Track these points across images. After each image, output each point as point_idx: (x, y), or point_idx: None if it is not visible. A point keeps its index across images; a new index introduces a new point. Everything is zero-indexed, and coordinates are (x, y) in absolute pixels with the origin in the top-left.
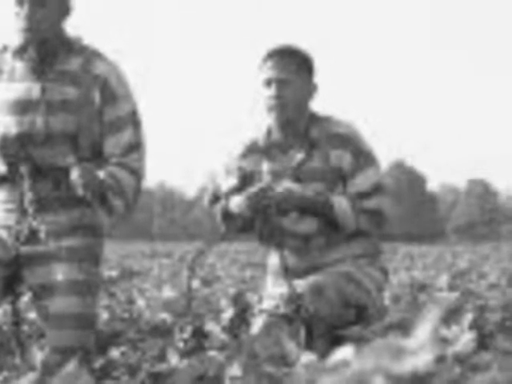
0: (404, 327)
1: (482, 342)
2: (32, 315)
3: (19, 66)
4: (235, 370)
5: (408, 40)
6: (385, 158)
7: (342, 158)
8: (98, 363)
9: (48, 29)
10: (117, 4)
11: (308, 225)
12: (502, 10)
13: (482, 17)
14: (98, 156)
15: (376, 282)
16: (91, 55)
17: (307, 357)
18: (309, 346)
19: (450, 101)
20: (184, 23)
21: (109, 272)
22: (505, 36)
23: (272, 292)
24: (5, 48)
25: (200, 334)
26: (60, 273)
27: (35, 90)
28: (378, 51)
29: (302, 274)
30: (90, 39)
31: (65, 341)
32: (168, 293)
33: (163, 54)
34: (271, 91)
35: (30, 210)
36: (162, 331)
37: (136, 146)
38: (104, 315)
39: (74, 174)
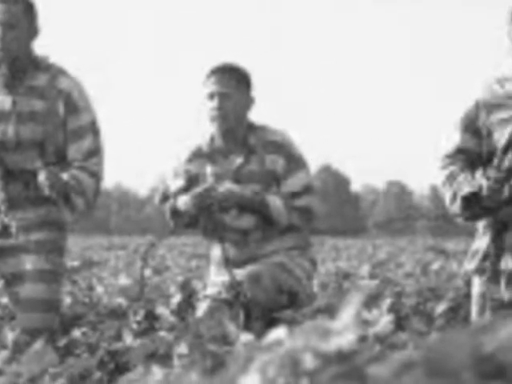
0: (330, 311)
1: (399, 324)
2: (4, 300)
3: None
4: (182, 348)
5: (332, 57)
6: (313, 162)
7: (276, 162)
8: (62, 342)
9: (18, 48)
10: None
11: (246, 221)
12: (420, 23)
13: (399, 31)
14: (62, 160)
15: (306, 271)
16: (56, 72)
17: (246, 337)
18: (247, 327)
19: (370, 112)
20: (141, 41)
21: (71, 262)
22: (420, 47)
23: (215, 280)
24: None
25: (151, 317)
26: (29, 263)
27: (7, 102)
28: (306, 70)
29: (242, 264)
30: (53, 56)
31: (33, 322)
32: (123, 280)
33: (121, 69)
34: (214, 103)
35: (2, 208)
36: (118, 314)
37: (95, 152)
38: (67, 300)
39: (41, 177)
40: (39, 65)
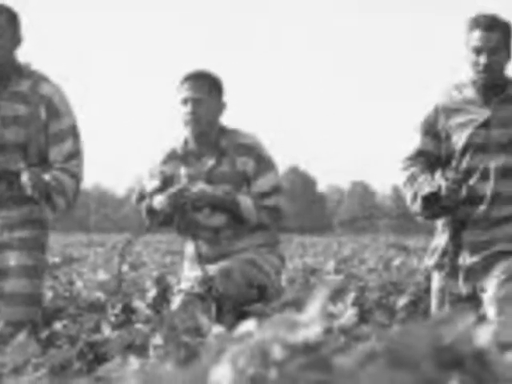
0: (298, 304)
1: (363, 317)
2: None
3: None
4: (158, 339)
5: (298, 62)
6: (282, 163)
7: (246, 164)
8: (44, 334)
9: (2, 56)
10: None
11: (218, 219)
12: (383, 31)
13: (362, 37)
14: (44, 162)
15: (275, 266)
16: (38, 78)
17: (217, 329)
18: (219, 320)
19: (335, 117)
20: (119, 48)
21: (53, 258)
22: (382, 54)
23: (188, 275)
24: None
25: (128, 310)
26: (13, 259)
27: None
28: (274, 76)
29: (213, 260)
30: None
31: (16, 315)
32: (102, 275)
33: (100, 76)
34: (187, 108)
35: None
36: (97, 307)
37: (75, 154)
38: (49, 294)
39: (24, 177)
40: (22, 71)
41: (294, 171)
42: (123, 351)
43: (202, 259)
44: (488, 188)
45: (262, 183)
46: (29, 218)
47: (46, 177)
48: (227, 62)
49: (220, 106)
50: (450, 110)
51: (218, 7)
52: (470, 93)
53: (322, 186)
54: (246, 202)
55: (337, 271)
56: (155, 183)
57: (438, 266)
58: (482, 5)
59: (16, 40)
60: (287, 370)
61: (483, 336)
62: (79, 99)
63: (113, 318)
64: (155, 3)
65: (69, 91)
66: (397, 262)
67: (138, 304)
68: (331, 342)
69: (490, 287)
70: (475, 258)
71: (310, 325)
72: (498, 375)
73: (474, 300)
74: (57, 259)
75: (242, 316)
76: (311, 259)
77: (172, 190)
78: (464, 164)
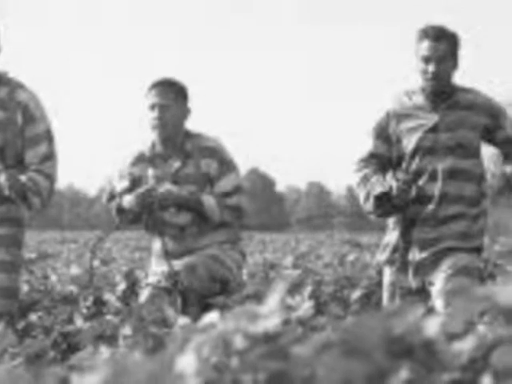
0: (258, 297)
1: (319, 309)
2: None
3: None
4: (127, 330)
5: (257, 68)
6: (243, 165)
7: (210, 166)
8: (20, 325)
9: None
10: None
11: (183, 217)
12: (339, 41)
13: (321, 45)
14: (20, 164)
15: (236, 262)
16: (15, 85)
17: (183, 320)
18: (184, 312)
19: (293, 121)
20: (91, 55)
21: (29, 254)
22: (334, 64)
23: (155, 270)
24: None
25: (99, 302)
26: None
27: None
28: (237, 85)
29: (179, 255)
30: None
31: None
32: (75, 270)
33: (73, 82)
34: (155, 114)
35: None
36: (70, 300)
37: (50, 157)
38: (25, 287)
39: (2, 178)
40: (0, 79)
41: (255, 172)
42: (94, 341)
43: (168, 255)
44: (436, 188)
45: (225, 183)
46: (6, 217)
47: (23, 178)
48: (187, 68)
49: (185, 112)
50: (400, 116)
51: (180, 13)
52: (419, 99)
53: (280, 186)
54: (209, 201)
55: (294, 266)
56: (124, 184)
57: (390, 262)
58: (432, 15)
59: None
60: (248, 358)
61: (431, 327)
62: (53, 103)
63: (85, 310)
64: (131, 7)
65: (42, 96)
66: (351, 257)
67: (109, 297)
68: (289, 332)
69: (438, 281)
70: (424, 254)
71: (269, 316)
72: (446, 363)
73: (422, 293)
74: (32, 255)
75: (206, 308)
76: (270, 255)
77: (140, 190)
78: (414, 166)
